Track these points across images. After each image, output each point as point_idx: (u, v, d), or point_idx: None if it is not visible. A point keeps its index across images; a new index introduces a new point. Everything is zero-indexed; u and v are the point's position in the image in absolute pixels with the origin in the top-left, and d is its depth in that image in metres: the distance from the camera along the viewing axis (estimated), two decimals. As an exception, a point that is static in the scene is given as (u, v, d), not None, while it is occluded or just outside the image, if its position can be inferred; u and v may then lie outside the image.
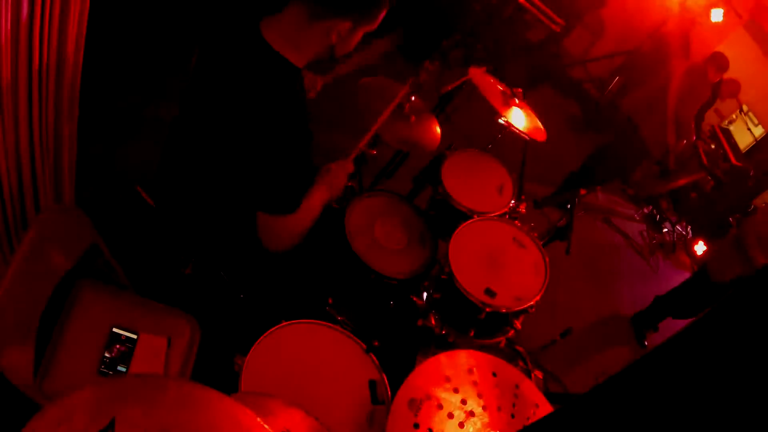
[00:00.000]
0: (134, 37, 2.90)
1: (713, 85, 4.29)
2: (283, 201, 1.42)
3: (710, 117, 5.30)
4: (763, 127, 5.57)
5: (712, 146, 5.09)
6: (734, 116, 5.55)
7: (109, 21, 2.12)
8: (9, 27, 1.32)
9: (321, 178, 1.68)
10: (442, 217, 2.32)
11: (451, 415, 1.32)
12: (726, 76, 4.46)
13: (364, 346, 1.60)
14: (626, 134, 4.20)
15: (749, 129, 5.56)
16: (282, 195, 1.41)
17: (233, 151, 1.41)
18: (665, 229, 5.18)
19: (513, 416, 1.39)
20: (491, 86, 2.44)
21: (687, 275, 4.37)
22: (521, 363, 2.16)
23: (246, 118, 1.34)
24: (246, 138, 1.36)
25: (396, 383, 1.38)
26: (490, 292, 1.92)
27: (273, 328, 1.52)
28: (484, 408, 1.37)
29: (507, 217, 2.32)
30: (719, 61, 3.95)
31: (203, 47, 1.47)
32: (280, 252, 1.53)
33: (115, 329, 1.63)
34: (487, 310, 1.88)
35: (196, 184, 1.58)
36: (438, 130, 2.43)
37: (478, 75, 2.42)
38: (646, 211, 5.22)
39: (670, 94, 3.95)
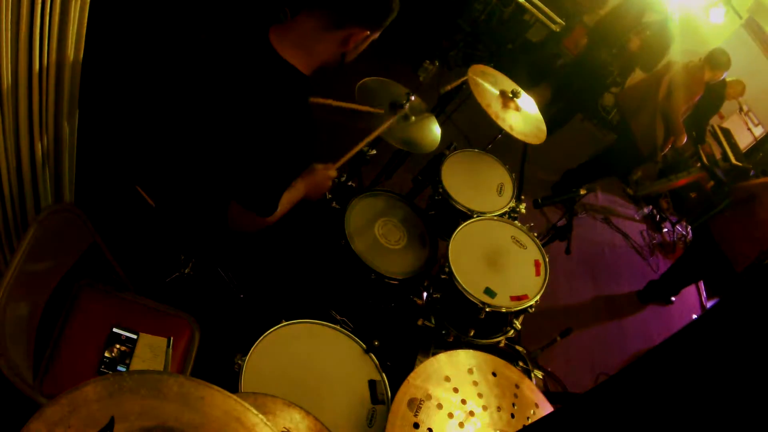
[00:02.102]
0: (136, 37, 2.90)
1: (713, 84, 4.26)
2: (264, 203, 1.42)
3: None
4: (763, 127, 5.57)
5: (713, 147, 5.09)
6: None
7: (110, 21, 2.12)
8: (9, 26, 1.32)
9: (304, 176, 1.65)
10: (442, 217, 2.32)
11: (451, 415, 1.32)
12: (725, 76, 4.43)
13: (364, 346, 1.60)
14: (627, 134, 4.17)
15: (749, 129, 5.57)
16: (265, 197, 1.41)
17: (234, 153, 1.42)
18: (665, 229, 5.18)
19: (513, 416, 1.39)
20: (489, 88, 2.44)
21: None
22: (521, 363, 2.16)
23: (249, 122, 1.34)
24: (247, 141, 1.36)
25: (396, 383, 1.38)
26: (489, 292, 1.92)
27: (273, 328, 1.52)
28: (484, 408, 1.37)
29: (507, 217, 2.32)
30: (715, 59, 3.80)
31: (209, 50, 1.47)
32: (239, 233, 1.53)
33: (115, 329, 1.63)
34: (487, 309, 1.88)
35: (196, 184, 1.58)
36: (438, 130, 2.43)
37: (477, 77, 2.42)
38: (646, 211, 5.23)
39: (661, 89, 3.87)
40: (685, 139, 4.03)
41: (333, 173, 1.76)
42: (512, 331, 2.05)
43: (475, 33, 5.14)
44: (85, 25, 1.54)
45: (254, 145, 1.35)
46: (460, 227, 2.08)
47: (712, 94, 4.48)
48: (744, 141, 5.50)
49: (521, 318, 2.04)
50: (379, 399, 1.50)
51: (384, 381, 1.55)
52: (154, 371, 0.84)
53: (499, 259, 2.05)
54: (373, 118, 2.15)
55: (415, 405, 1.30)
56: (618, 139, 4.48)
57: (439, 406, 1.32)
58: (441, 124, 2.47)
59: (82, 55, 1.61)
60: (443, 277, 1.99)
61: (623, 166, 4.74)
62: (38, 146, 1.65)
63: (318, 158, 1.71)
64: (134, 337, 1.65)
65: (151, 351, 1.65)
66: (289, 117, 1.33)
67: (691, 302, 4.65)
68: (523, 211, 2.39)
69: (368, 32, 1.34)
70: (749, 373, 0.59)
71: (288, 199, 1.54)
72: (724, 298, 0.63)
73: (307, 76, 1.38)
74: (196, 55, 1.49)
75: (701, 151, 4.91)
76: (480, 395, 1.38)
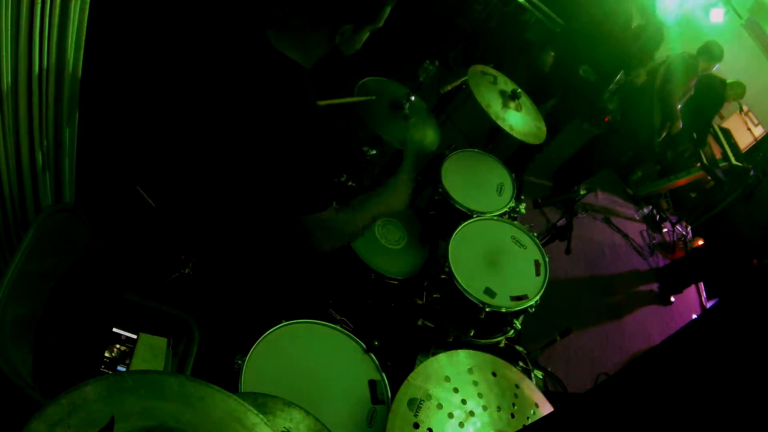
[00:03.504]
0: (136, 38, 2.90)
1: (713, 85, 4.27)
2: (311, 199, 1.42)
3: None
4: (763, 127, 5.57)
5: (713, 147, 5.09)
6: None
7: (111, 21, 2.12)
8: (9, 27, 1.32)
9: (381, 191, 1.67)
10: (442, 217, 2.32)
11: (451, 415, 1.32)
12: (725, 75, 4.45)
13: (364, 346, 1.60)
14: (626, 125, 4.21)
15: (749, 129, 5.56)
16: (306, 194, 1.42)
17: (238, 152, 1.42)
18: (665, 229, 5.18)
19: (513, 416, 1.39)
20: (489, 88, 2.44)
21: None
22: (521, 363, 2.16)
23: (253, 118, 1.35)
24: (252, 138, 1.37)
25: (396, 383, 1.38)
26: (489, 292, 1.92)
27: (273, 328, 1.52)
28: (484, 408, 1.37)
29: (507, 217, 2.32)
30: (709, 50, 3.88)
31: (209, 51, 1.48)
32: (329, 250, 1.56)
33: (115, 329, 1.63)
34: (487, 309, 1.87)
35: (197, 184, 1.59)
36: (438, 130, 2.43)
37: (477, 77, 2.42)
38: (646, 211, 5.23)
39: (658, 78, 3.96)
40: (680, 125, 4.11)
41: (410, 184, 1.75)
42: (512, 331, 2.05)
43: (475, 33, 5.14)
44: (86, 26, 1.54)
45: (261, 144, 1.36)
46: (460, 227, 2.08)
47: (711, 95, 4.50)
48: (744, 141, 5.49)
49: (521, 318, 2.04)
50: (379, 399, 1.50)
51: (384, 381, 1.55)
52: (154, 371, 0.84)
53: (499, 259, 2.05)
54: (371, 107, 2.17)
55: (415, 405, 1.30)
56: (616, 130, 4.49)
57: (439, 406, 1.32)
58: (441, 124, 2.47)
59: (82, 56, 1.61)
60: (443, 277, 1.99)
61: (621, 157, 4.75)
62: (38, 146, 1.65)
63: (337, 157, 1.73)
64: (134, 337, 1.65)
65: (151, 351, 1.65)
66: (296, 108, 1.34)
67: (691, 302, 4.65)
68: (523, 211, 2.39)
69: (351, 25, 1.36)
70: (749, 373, 0.59)
71: (371, 214, 1.58)
72: (724, 298, 0.63)
73: (306, 70, 1.40)
74: (197, 55, 1.49)
75: (701, 152, 4.91)
76: (480, 395, 1.38)
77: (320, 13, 1.33)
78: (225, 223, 1.63)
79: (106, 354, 1.59)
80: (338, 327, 1.61)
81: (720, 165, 4.89)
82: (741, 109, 5.46)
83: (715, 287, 4.62)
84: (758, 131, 5.58)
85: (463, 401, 1.35)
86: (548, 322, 3.34)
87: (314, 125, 1.37)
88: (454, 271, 1.92)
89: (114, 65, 2.67)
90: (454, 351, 1.45)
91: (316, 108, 1.38)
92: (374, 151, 2.23)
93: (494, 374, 1.44)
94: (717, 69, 4.07)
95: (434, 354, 1.47)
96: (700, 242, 4.90)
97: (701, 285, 4.82)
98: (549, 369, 3.09)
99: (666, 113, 4.01)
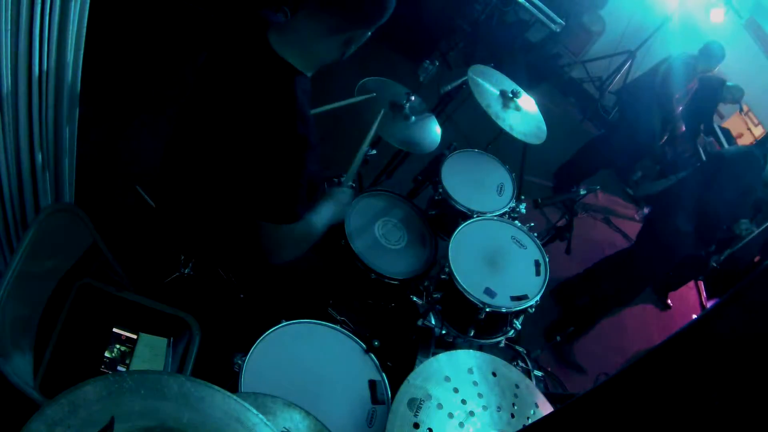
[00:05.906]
0: (136, 38, 2.90)
1: (712, 84, 4.27)
2: (284, 210, 1.41)
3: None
4: (763, 127, 5.57)
5: (713, 147, 5.09)
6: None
7: (111, 22, 2.13)
8: (9, 27, 1.32)
9: (327, 198, 1.66)
10: (442, 217, 2.32)
11: (451, 415, 1.32)
12: (725, 76, 4.45)
13: (364, 346, 1.60)
14: (626, 126, 4.21)
15: (749, 129, 5.56)
16: (282, 204, 1.40)
17: (233, 155, 1.41)
18: (665, 229, 5.18)
19: (513, 416, 1.39)
20: (489, 88, 2.44)
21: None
22: (521, 363, 2.16)
23: (248, 123, 1.34)
24: (247, 143, 1.36)
25: (396, 383, 1.38)
26: (489, 292, 1.92)
27: (273, 328, 1.52)
28: (484, 408, 1.37)
29: (507, 217, 2.32)
30: (709, 50, 3.81)
31: (210, 52, 1.48)
32: (283, 261, 1.50)
33: (115, 329, 1.63)
34: (487, 309, 1.88)
35: (196, 185, 1.58)
36: (438, 130, 2.43)
37: (477, 77, 2.42)
38: (646, 211, 5.22)
39: (657, 78, 3.92)
40: (683, 128, 4.10)
41: (349, 190, 1.76)
42: (512, 331, 2.05)
43: (475, 33, 5.14)
44: (85, 26, 1.54)
45: (255, 149, 1.35)
46: (460, 227, 2.08)
47: (708, 94, 4.51)
48: (744, 141, 5.49)
49: (521, 318, 2.04)
50: (379, 399, 1.50)
51: (384, 381, 1.55)
52: (154, 371, 0.84)
53: (499, 259, 2.05)
54: (371, 109, 2.15)
55: (415, 405, 1.30)
56: (617, 131, 4.49)
57: (439, 406, 1.32)
58: (441, 124, 2.47)
59: (82, 56, 1.61)
60: (443, 277, 1.99)
61: (622, 159, 4.75)
62: (38, 146, 1.65)
63: (325, 164, 1.72)
64: (134, 337, 1.65)
65: (151, 351, 1.65)
66: (286, 117, 1.32)
67: (691, 302, 4.64)
68: (523, 211, 2.39)
69: (369, 32, 1.34)
70: (749, 374, 0.59)
71: (320, 221, 1.54)
72: (724, 298, 0.63)
73: (304, 75, 1.38)
74: (194, 56, 1.49)
75: (701, 151, 4.91)
76: (480, 395, 1.38)
77: (350, 18, 1.30)
78: (224, 222, 1.63)
79: (106, 354, 1.59)
80: (338, 327, 1.62)
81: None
82: (741, 109, 5.46)
83: (715, 287, 4.61)
84: (758, 131, 5.57)
85: (463, 401, 1.35)
86: (548, 322, 3.35)
87: (300, 134, 1.34)
88: (454, 271, 1.92)
89: (113, 65, 2.67)
90: (454, 351, 1.46)
91: (302, 117, 1.34)
92: (374, 151, 2.23)
93: (494, 374, 1.44)
94: (717, 70, 4.05)
95: (434, 354, 1.47)
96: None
97: (701, 285, 4.81)
98: (549, 369, 3.09)
99: (666, 116, 3.99)
